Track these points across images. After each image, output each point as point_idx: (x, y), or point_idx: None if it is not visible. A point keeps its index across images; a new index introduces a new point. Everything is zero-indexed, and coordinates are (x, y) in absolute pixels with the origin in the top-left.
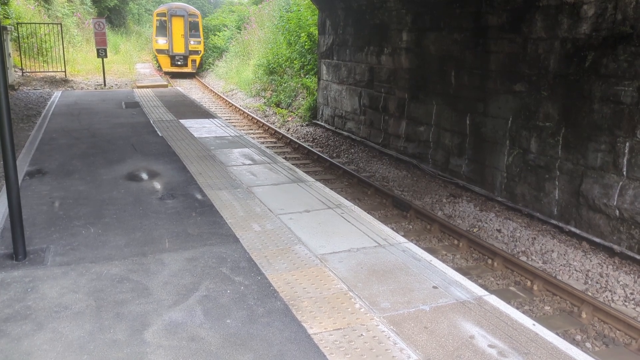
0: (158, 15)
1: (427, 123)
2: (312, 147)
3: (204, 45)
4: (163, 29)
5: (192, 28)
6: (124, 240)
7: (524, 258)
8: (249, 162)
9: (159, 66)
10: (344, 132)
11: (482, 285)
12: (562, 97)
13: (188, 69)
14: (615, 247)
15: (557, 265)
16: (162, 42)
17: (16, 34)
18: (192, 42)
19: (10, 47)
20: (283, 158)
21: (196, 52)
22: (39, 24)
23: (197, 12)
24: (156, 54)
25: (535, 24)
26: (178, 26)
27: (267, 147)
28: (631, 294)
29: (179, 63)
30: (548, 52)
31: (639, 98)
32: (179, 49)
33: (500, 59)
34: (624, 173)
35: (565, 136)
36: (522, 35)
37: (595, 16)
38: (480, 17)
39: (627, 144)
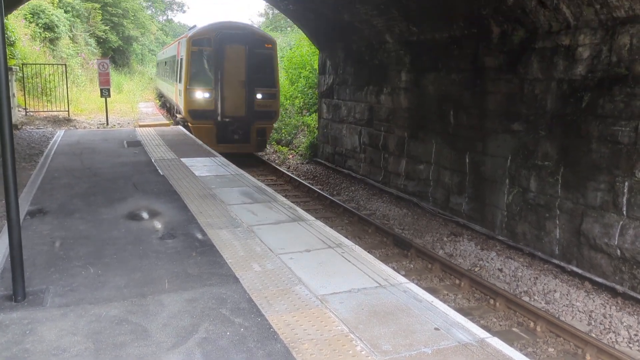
0: (194, 43)
1: (426, 161)
2: (312, 185)
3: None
4: (201, 69)
5: (260, 67)
6: (123, 280)
7: (526, 298)
8: (250, 200)
9: (187, 129)
10: (344, 170)
11: (484, 327)
12: (560, 137)
13: (250, 147)
14: (618, 287)
15: (560, 306)
16: (200, 95)
17: (21, 74)
18: (259, 96)
19: (15, 87)
20: (283, 196)
21: (267, 115)
22: (44, 64)
23: (269, 37)
24: (187, 117)
25: (532, 66)
26: (235, 64)
27: (268, 184)
28: (635, 335)
29: (237, 137)
30: (545, 92)
31: (637, 138)
32: (235, 109)
33: (498, 99)
34: (624, 212)
35: (564, 175)
36: (519, 76)
37: (590, 58)
38: (477, 58)
39: (626, 184)
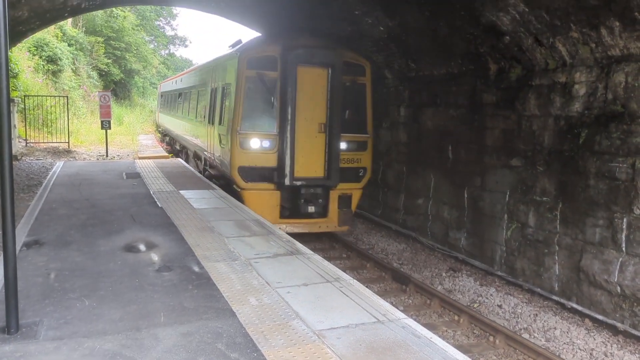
0: (249, 64)
1: (425, 196)
2: None
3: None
4: (259, 103)
5: (348, 102)
6: (118, 313)
7: (526, 335)
8: (247, 233)
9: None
10: None
11: None
12: (558, 173)
13: (330, 224)
14: (619, 325)
15: (561, 344)
16: (257, 144)
17: (23, 106)
18: (345, 146)
19: (16, 119)
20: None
21: (354, 175)
22: (46, 96)
23: (361, 57)
24: (235, 177)
25: (529, 102)
26: (311, 96)
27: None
28: None
29: (313, 208)
30: (542, 128)
31: (634, 175)
32: (310, 165)
33: (496, 134)
34: (623, 249)
35: (562, 211)
36: (517, 112)
37: (586, 95)
38: (475, 94)
39: (625, 220)
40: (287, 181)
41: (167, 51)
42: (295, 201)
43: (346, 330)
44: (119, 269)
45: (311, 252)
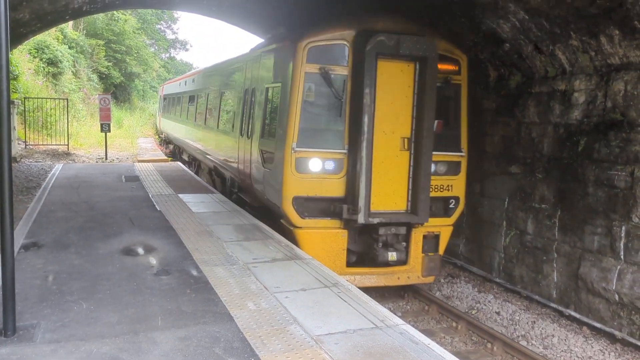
0: (311, 55)
1: None
2: None
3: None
4: (323, 110)
5: (441, 109)
6: (116, 317)
7: (524, 342)
8: (246, 237)
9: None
10: None
11: None
12: (557, 180)
13: (413, 274)
14: (617, 333)
15: (558, 351)
16: (318, 166)
17: (23, 108)
18: (432, 168)
19: (16, 121)
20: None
21: (444, 207)
22: (46, 98)
23: (455, 49)
24: (287, 210)
25: (529, 109)
26: (392, 100)
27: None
28: None
29: (394, 254)
30: (541, 136)
31: (633, 183)
32: (391, 196)
33: (495, 141)
34: (622, 257)
35: (561, 218)
36: (516, 119)
37: (586, 103)
38: (475, 100)
39: (623, 228)
40: (361, 218)
41: (167, 55)
42: (367, 244)
43: (344, 336)
44: (117, 272)
45: (310, 257)
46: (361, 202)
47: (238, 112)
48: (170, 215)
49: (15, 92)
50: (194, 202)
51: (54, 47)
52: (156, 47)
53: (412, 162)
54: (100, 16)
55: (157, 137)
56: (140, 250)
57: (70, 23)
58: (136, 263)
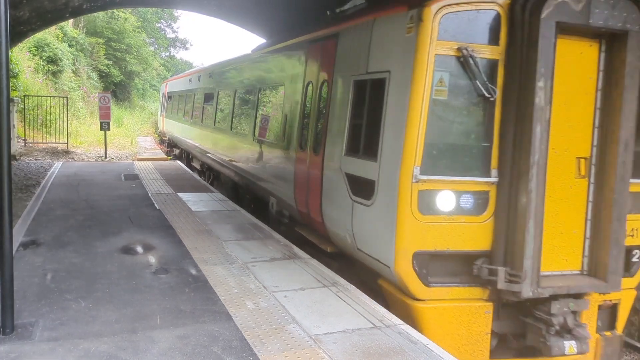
0: (442, 31)
1: None
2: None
3: None
4: (457, 111)
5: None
6: (114, 315)
7: None
8: (245, 237)
9: None
10: None
11: None
12: None
13: None
14: None
15: None
16: (451, 203)
17: (22, 106)
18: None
19: (15, 119)
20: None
21: (630, 262)
22: (46, 96)
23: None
24: (400, 273)
25: None
26: (566, 99)
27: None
28: None
29: (570, 346)
30: None
31: None
32: (560, 252)
33: None
34: None
35: None
36: None
37: None
38: None
39: None
40: (527, 289)
41: (167, 53)
42: (517, 322)
43: (342, 335)
44: (116, 270)
45: (308, 257)
46: (527, 263)
47: (293, 117)
48: (169, 214)
49: (15, 90)
50: (193, 200)
51: (54, 45)
52: (156, 46)
53: (592, 195)
54: (100, 14)
55: (156, 135)
56: (139, 249)
57: (71, 21)
58: (135, 262)
